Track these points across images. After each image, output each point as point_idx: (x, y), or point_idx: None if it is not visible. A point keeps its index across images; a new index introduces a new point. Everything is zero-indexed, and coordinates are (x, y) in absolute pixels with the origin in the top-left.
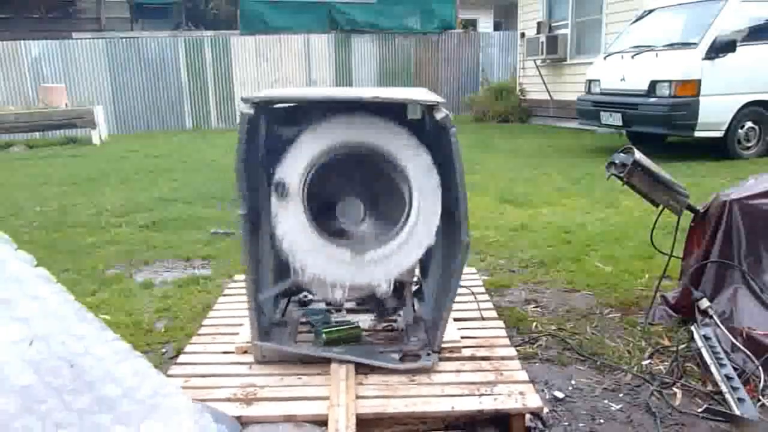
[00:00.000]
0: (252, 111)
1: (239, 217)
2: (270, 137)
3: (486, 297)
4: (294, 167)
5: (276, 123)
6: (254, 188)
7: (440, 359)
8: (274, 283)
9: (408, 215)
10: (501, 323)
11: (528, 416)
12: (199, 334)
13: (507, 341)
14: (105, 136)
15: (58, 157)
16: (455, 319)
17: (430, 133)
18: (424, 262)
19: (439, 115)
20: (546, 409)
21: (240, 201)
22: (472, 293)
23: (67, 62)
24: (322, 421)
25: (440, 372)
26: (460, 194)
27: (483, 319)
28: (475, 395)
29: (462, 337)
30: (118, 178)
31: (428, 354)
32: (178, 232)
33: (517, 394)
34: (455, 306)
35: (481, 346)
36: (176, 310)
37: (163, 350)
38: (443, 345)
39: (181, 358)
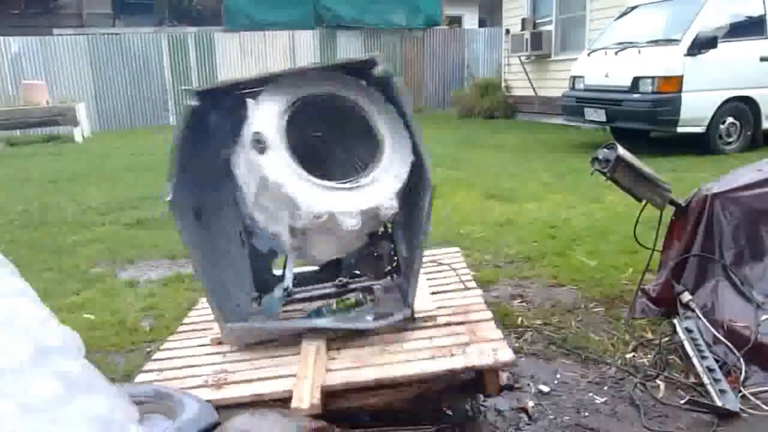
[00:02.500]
0: (195, 102)
1: (167, 203)
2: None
3: (466, 270)
4: (266, 119)
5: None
6: (203, 178)
7: (415, 328)
8: (252, 268)
9: (382, 136)
10: (479, 291)
11: (505, 375)
12: (177, 332)
13: (483, 306)
14: (87, 134)
15: (39, 156)
16: (432, 293)
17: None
18: (395, 239)
19: (378, 71)
20: (532, 403)
21: (169, 187)
22: (451, 268)
23: (47, 59)
24: (289, 398)
25: (413, 339)
26: (416, 138)
27: (466, 288)
28: (446, 357)
29: (438, 308)
30: (101, 176)
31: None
32: (162, 230)
33: (490, 350)
34: (434, 280)
35: (456, 314)
36: (161, 309)
37: (148, 349)
38: (418, 315)
39: (157, 355)
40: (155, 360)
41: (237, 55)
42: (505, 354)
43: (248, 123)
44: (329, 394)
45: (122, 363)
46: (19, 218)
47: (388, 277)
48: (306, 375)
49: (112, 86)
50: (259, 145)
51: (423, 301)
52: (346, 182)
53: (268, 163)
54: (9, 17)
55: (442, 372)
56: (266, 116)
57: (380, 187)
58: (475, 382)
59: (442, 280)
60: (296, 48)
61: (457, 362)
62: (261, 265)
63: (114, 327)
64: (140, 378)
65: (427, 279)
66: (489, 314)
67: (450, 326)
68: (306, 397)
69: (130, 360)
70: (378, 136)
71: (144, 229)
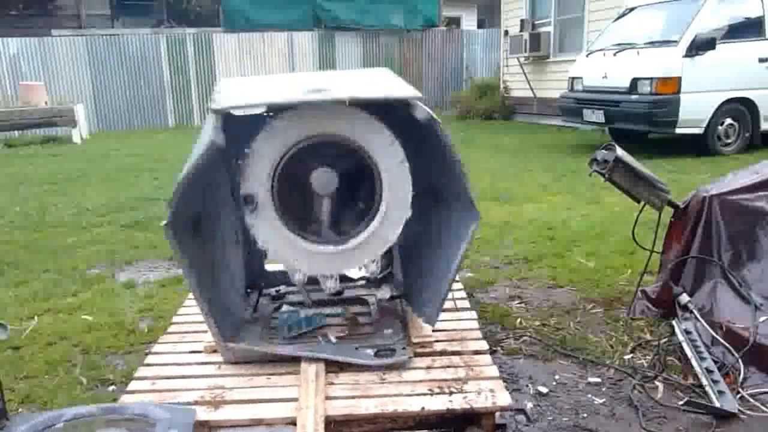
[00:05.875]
0: (221, 142)
1: (163, 228)
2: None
3: (460, 286)
4: (257, 176)
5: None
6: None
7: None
8: (246, 276)
9: (381, 193)
10: (473, 314)
11: (507, 413)
12: (168, 333)
13: (479, 334)
14: (86, 135)
15: (38, 157)
16: None
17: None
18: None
19: (420, 115)
20: (530, 404)
21: (169, 211)
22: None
23: (46, 60)
24: (291, 424)
25: (411, 369)
26: (463, 176)
27: (457, 309)
28: (445, 393)
29: (434, 330)
30: (99, 177)
31: (403, 348)
32: (160, 231)
33: (488, 391)
34: None
35: (452, 340)
36: (160, 310)
37: (146, 351)
38: (415, 340)
39: (149, 359)
40: (147, 365)
41: (235, 56)
42: (503, 398)
43: (243, 175)
44: (329, 423)
45: (120, 364)
46: (17, 219)
47: (384, 290)
48: (308, 404)
49: (110, 87)
50: (249, 205)
51: (419, 323)
52: (333, 243)
53: (256, 224)
54: (7, 18)
55: (441, 411)
56: (258, 172)
57: (366, 249)
58: (470, 416)
59: None
60: (294, 49)
61: (456, 403)
62: (254, 261)
63: (112, 328)
64: (133, 386)
65: None
66: (485, 344)
67: (446, 355)
68: (311, 430)
69: (128, 362)
70: (377, 188)
71: (142, 230)
